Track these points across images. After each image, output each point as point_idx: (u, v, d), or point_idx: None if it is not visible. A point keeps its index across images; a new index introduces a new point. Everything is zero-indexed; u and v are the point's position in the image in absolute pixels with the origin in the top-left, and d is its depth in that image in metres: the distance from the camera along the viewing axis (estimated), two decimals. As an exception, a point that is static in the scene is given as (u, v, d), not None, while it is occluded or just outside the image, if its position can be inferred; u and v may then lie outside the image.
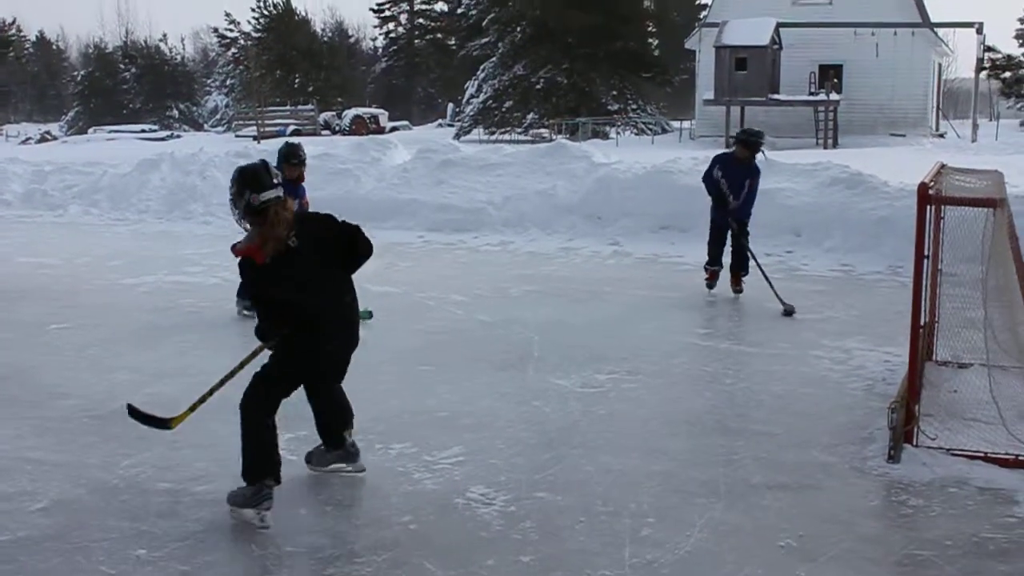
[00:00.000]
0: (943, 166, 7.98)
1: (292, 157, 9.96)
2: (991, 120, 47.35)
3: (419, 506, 5.39)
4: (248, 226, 5.16)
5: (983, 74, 17.54)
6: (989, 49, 17.77)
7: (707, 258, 11.46)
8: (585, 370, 8.07)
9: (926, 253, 6.25)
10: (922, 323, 6.35)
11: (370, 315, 9.43)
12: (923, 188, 6.15)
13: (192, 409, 5.66)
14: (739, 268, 11.20)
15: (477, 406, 6.98)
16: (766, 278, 10.75)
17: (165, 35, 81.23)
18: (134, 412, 5.67)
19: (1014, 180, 17.92)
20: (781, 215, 14.48)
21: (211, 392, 5.58)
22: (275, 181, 5.14)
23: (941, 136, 41.88)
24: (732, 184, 10.99)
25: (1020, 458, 6.03)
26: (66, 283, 11.90)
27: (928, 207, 6.16)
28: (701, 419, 6.93)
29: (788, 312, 10.30)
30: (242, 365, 5.64)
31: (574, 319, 10.07)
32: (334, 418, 5.74)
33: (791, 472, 5.96)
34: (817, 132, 37.44)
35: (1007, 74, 12.71)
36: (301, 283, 5.14)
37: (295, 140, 11.93)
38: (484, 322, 9.93)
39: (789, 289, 11.03)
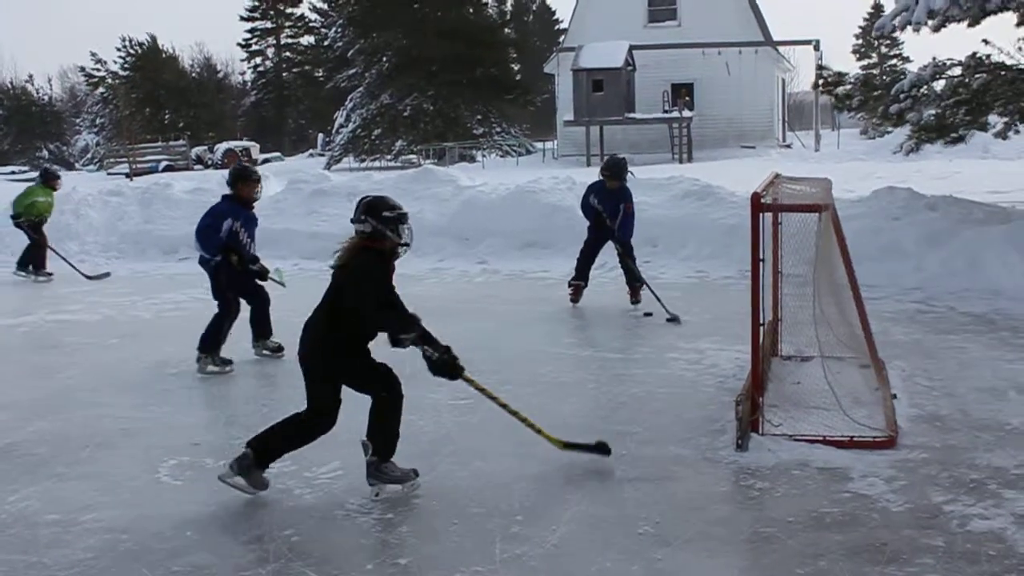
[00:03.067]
0: (777, 176, 8.41)
1: (252, 174, 9.45)
2: (833, 130, 49.04)
3: (300, 520, 5.51)
4: None
5: (818, 90, 18.31)
6: (821, 67, 18.56)
7: (573, 272, 11.79)
8: (456, 384, 8.20)
9: (761, 257, 6.59)
10: (763, 321, 6.69)
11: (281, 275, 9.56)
12: (756, 197, 6.51)
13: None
14: (632, 281, 11.57)
15: (354, 421, 7.06)
16: (652, 292, 11.22)
17: (31, 76, 78.72)
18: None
19: (852, 185, 18.77)
20: (639, 227, 14.72)
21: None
22: (363, 219, 5.80)
23: (788, 147, 43.33)
24: (608, 209, 11.47)
25: (854, 439, 6.41)
26: (-59, 328, 11.64)
27: (760, 214, 6.50)
28: (567, 423, 7.14)
29: (673, 319, 10.67)
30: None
31: (445, 336, 10.10)
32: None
33: (649, 466, 6.23)
34: (672, 147, 38.38)
35: (838, 89, 13.33)
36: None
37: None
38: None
39: (647, 297, 11.41)
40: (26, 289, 14.61)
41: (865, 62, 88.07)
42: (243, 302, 9.37)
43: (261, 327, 9.50)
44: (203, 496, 5.92)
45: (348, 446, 6.50)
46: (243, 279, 9.20)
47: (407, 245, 5.93)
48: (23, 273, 15.71)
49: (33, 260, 15.84)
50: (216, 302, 9.22)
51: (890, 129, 20.16)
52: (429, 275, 14.42)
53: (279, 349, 9.43)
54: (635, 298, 11.54)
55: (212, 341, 9.01)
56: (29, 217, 15.92)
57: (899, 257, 12.71)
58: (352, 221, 5.88)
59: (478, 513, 5.50)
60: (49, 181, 16.52)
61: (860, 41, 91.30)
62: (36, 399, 8.27)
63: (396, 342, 5.89)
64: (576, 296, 11.74)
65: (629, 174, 11.79)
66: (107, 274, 15.67)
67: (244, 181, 9.24)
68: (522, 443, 6.67)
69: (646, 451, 6.51)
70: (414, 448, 6.57)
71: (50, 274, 15.40)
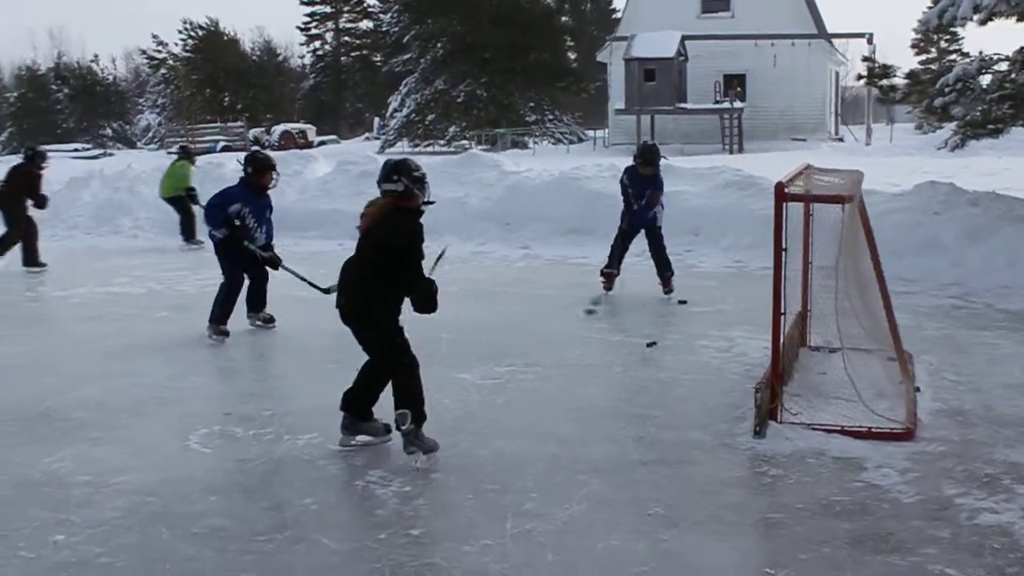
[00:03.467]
0: (808, 167, 8.40)
1: (268, 162, 9.73)
2: (888, 124, 48.50)
3: (321, 489, 5.65)
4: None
5: (861, 83, 18.01)
6: (867, 59, 18.31)
7: (606, 260, 11.83)
8: (486, 364, 8.35)
9: (784, 246, 6.60)
10: (785, 311, 6.70)
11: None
12: (780, 187, 6.52)
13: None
14: (662, 270, 11.53)
15: (382, 400, 7.21)
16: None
17: (97, 56, 79.64)
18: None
19: (899, 179, 18.59)
20: (681, 216, 14.85)
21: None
22: (396, 179, 6.00)
23: (840, 140, 42.88)
24: (636, 192, 11.50)
25: (872, 430, 6.42)
26: (-3, 297, 11.96)
27: (784, 204, 6.51)
28: (591, 405, 7.25)
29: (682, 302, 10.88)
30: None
31: (481, 318, 10.34)
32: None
33: (667, 449, 6.29)
34: (723, 138, 38.16)
35: (883, 82, 13.16)
36: (356, 252, 6.16)
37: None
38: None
39: (686, 285, 11.50)
40: (80, 262, 14.87)
41: (924, 56, 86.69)
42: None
43: (256, 300, 9.86)
44: (230, 464, 6.08)
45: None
46: (244, 255, 9.52)
47: (432, 202, 6.17)
48: (192, 243, 16.08)
49: (188, 229, 16.28)
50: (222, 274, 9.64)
51: (942, 125, 19.95)
52: (471, 258, 14.51)
53: (271, 320, 9.86)
54: (667, 288, 11.53)
55: (217, 311, 9.41)
56: (179, 192, 16.48)
57: (938, 252, 12.61)
58: (380, 182, 6.10)
59: (493, 489, 5.59)
60: (191, 156, 17.57)
61: (919, 35, 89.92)
62: (80, 367, 8.48)
63: (425, 304, 6.08)
64: (609, 284, 11.75)
65: (664, 159, 11.82)
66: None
67: (258, 168, 9.53)
68: (542, 423, 6.77)
69: (665, 435, 6.57)
70: (438, 425, 6.63)
71: (201, 242, 15.41)
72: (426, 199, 6.13)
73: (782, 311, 6.63)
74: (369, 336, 6.16)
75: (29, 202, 14.36)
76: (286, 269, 9.80)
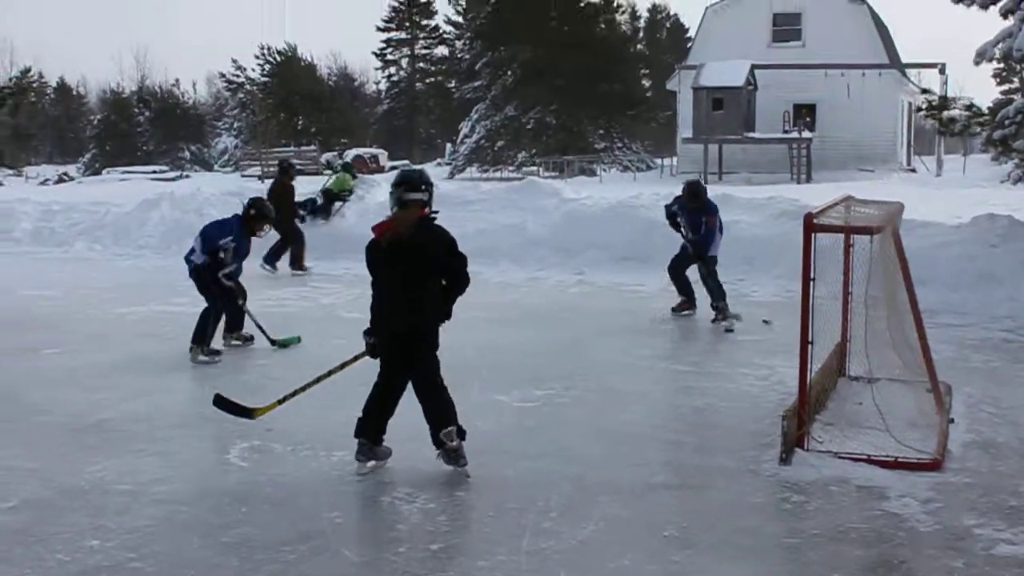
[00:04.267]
0: (849, 197, 8.46)
1: (269, 213, 10.34)
2: (964, 155, 47.84)
3: (348, 503, 5.86)
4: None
5: (920, 115, 17.90)
6: (925, 91, 18.20)
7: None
8: (525, 387, 8.49)
9: (812, 276, 6.67)
10: (811, 340, 6.75)
11: (298, 340, 10.38)
12: (808, 218, 6.60)
13: (279, 402, 6.51)
14: (714, 298, 11.65)
15: (416, 419, 7.37)
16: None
17: (178, 80, 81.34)
18: (221, 402, 6.66)
19: (963, 211, 18.40)
20: (736, 246, 14.88)
21: (303, 389, 6.44)
22: (424, 188, 6.17)
23: (912, 171, 42.44)
24: (690, 223, 11.79)
25: (899, 459, 6.44)
26: (62, 312, 12.38)
27: (812, 234, 6.59)
28: (621, 429, 7.35)
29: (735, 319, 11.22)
30: (342, 366, 6.66)
31: (529, 342, 10.50)
32: (427, 415, 6.24)
33: (691, 474, 6.38)
34: (792, 168, 37.98)
35: (943, 114, 13.09)
36: (395, 271, 6.08)
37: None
38: (442, 346, 10.33)
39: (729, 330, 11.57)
40: (146, 281, 15.31)
41: (1006, 87, 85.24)
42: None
43: (233, 321, 10.33)
44: (264, 477, 6.29)
45: (408, 440, 6.69)
46: (216, 284, 10.03)
47: (438, 212, 6.38)
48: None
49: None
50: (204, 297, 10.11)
51: (1011, 156, 19.74)
52: (526, 283, 14.70)
53: (249, 339, 10.33)
54: (718, 316, 11.60)
55: (201, 333, 9.80)
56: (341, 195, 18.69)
57: (992, 285, 12.51)
58: (408, 191, 6.19)
59: (514, 508, 5.72)
60: (350, 170, 20.50)
61: (1002, 65, 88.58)
62: (133, 382, 8.78)
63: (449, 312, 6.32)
64: (679, 308, 11.97)
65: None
66: None
67: (260, 215, 10.21)
68: (571, 446, 6.89)
69: (692, 460, 6.66)
70: (470, 446, 6.70)
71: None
72: (435, 209, 6.38)
73: (809, 340, 6.68)
74: (426, 354, 6.28)
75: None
76: (246, 312, 10.30)
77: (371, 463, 6.32)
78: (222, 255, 9.83)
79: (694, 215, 11.75)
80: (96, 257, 18.43)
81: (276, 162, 22.57)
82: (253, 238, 10.29)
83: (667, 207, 12.19)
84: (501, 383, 8.61)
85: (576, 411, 7.87)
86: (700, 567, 5.01)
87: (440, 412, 6.22)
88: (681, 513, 5.72)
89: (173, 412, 7.83)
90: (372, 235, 6.24)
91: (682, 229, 11.85)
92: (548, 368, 9.24)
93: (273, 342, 10.21)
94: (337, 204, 18.81)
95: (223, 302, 10.10)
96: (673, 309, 12.05)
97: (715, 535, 5.37)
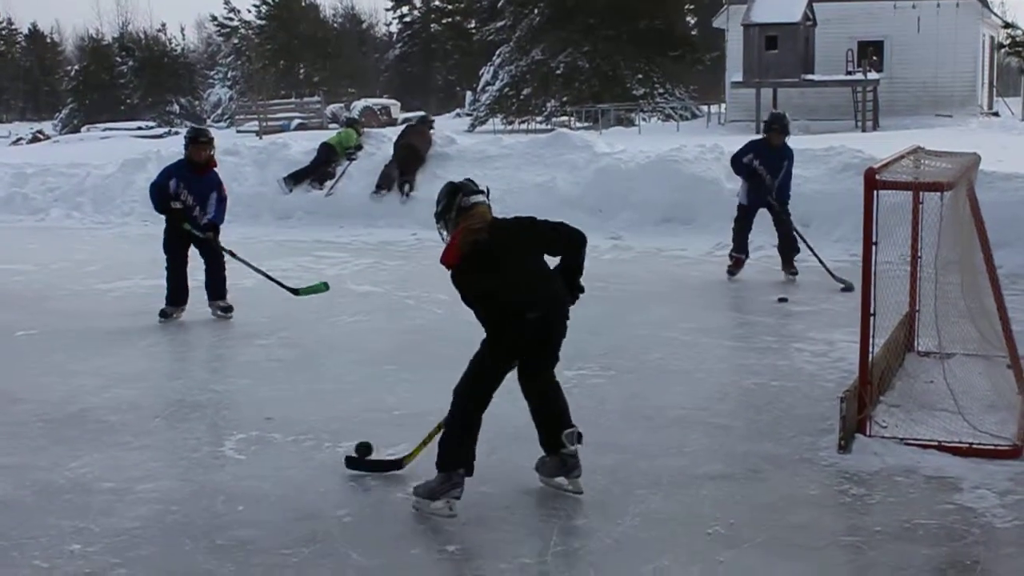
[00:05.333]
0: (918, 149, 8.41)
1: (201, 135, 10.62)
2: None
3: (357, 501, 5.91)
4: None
5: (1004, 51, 17.60)
6: (1009, 25, 17.87)
7: (732, 244, 12.43)
8: (557, 367, 8.49)
9: (874, 239, 6.65)
10: (873, 312, 6.73)
11: (326, 287, 10.62)
12: (870, 173, 6.57)
13: (424, 444, 6.17)
14: (789, 251, 12.14)
15: (435, 405, 7.39)
16: (817, 258, 11.91)
17: (164, 25, 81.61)
18: (359, 463, 6.28)
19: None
20: (789, 204, 14.86)
21: (439, 428, 6.04)
22: (482, 190, 5.92)
23: (995, 115, 42.01)
24: (770, 168, 12.16)
25: (974, 446, 6.43)
26: (38, 289, 12.49)
27: (875, 192, 6.57)
28: (661, 413, 7.38)
29: (847, 287, 11.15)
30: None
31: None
32: (550, 412, 6.18)
33: (738, 463, 6.40)
34: (856, 114, 37.68)
35: (1025, 50, 12.86)
36: (499, 275, 5.88)
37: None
38: (467, 321, 10.34)
39: (790, 281, 11.57)
40: (130, 253, 15.37)
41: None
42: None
43: (213, 287, 10.64)
44: (264, 471, 6.36)
45: (425, 428, 6.73)
46: (185, 238, 10.47)
47: None
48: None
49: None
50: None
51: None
52: (555, 250, 14.69)
53: (229, 309, 10.64)
54: (790, 269, 11.81)
55: (221, 288, 10.47)
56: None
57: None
58: (467, 195, 5.93)
59: (543, 503, 5.79)
60: (355, 125, 20.79)
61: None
62: (116, 366, 8.87)
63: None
64: (735, 269, 12.21)
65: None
66: None
67: (191, 143, 10.48)
68: (606, 432, 6.90)
69: (740, 447, 6.69)
70: (494, 431, 6.65)
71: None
72: None
73: (872, 311, 6.67)
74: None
75: None
76: (242, 261, 10.59)
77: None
78: (177, 204, 10.23)
79: (774, 158, 12.00)
80: (75, 226, 18.53)
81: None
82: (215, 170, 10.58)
83: (737, 156, 12.44)
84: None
85: (611, 393, 7.90)
86: (746, 567, 5.05)
87: (567, 408, 6.19)
88: (726, 507, 5.73)
89: (162, 400, 7.90)
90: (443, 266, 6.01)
91: (767, 179, 12.10)
92: (583, 345, 9.14)
93: (295, 291, 10.39)
94: (344, 163, 18.88)
95: (206, 264, 10.53)
96: (730, 271, 12.21)
97: (763, 532, 5.40)
